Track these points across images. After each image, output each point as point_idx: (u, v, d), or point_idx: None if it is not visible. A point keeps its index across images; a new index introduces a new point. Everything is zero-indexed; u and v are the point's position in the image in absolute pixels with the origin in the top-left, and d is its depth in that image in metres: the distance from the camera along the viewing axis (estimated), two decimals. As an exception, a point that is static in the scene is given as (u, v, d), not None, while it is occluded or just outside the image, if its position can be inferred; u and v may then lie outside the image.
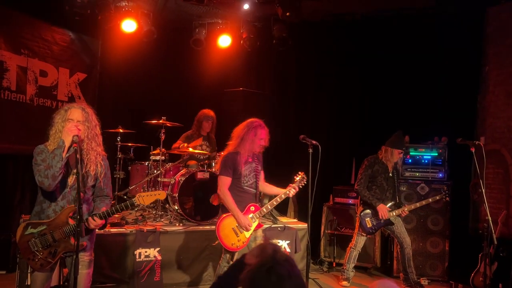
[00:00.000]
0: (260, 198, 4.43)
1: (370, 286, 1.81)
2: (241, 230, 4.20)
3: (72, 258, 2.95)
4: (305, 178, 4.40)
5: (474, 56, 6.43)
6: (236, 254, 4.29)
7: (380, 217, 5.13)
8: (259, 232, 4.43)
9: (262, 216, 4.47)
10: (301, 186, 4.40)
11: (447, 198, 5.37)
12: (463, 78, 6.40)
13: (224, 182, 4.19)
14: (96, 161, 3.18)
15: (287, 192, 4.33)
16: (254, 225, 4.28)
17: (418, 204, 5.23)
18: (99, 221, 3.14)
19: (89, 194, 3.24)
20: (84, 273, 3.18)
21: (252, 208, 4.29)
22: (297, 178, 4.41)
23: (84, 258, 3.18)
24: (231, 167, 4.19)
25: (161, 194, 3.32)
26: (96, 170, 3.18)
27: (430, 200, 5.27)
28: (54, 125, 3.12)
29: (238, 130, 4.32)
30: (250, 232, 4.25)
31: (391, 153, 5.26)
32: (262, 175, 4.46)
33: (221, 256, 4.35)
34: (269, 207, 4.37)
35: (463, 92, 6.43)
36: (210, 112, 6.54)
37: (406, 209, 5.21)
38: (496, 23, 6.26)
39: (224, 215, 4.24)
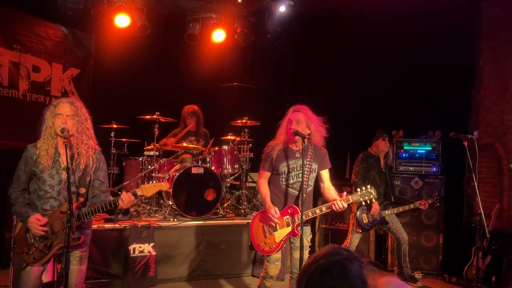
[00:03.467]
0: (301, 201, 3.58)
1: (378, 282, 1.76)
2: (270, 231, 3.64)
3: (65, 252, 2.91)
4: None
5: (468, 51, 6.44)
6: (266, 258, 3.77)
7: (372, 213, 5.15)
8: (297, 244, 3.67)
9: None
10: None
11: (437, 204, 5.43)
12: (457, 72, 6.40)
13: (260, 173, 3.81)
14: (87, 154, 3.13)
15: (334, 203, 3.54)
16: (286, 230, 3.63)
17: (412, 206, 5.24)
18: (133, 198, 3.11)
19: (85, 190, 3.19)
20: (78, 269, 3.16)
21: (290, 211, 3.65)
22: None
23: (79, 253, 3.16)
24: (269, 160, 3.72)
25: (163, 185, 3.28)
26: (87, 163, 3.13)
27: (424, 202, 5.27)
28: (45, 121, 3.10)
29: None
30: (280, 237, 3.63)
31: (376, 145, 5.38)
32: (323, 175, 3.79)
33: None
34: (310, 215, 3.61)
35: (457, 86, 6.44)
36: (192, 107, 6.51)
37: (401, 209, 5.23)
38: (489, 17, 6.26)
39: (262, 210, 3.82)
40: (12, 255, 4.40)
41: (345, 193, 3.58)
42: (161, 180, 5.90)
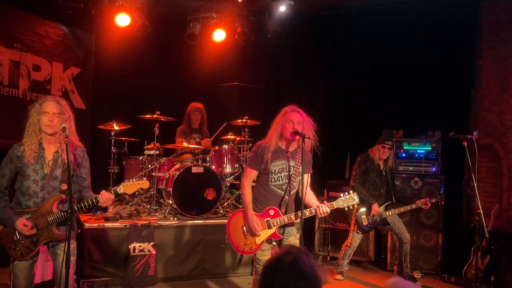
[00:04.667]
0: (285, 204, 3.69)
1: (384, 284, 1.78)
2: (251, 233, 3.63)
3: (65, 252, 2.98)
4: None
5: (468, 50, 6.44)
6: (256, 260, 3.74)
7: (371, 214, 5.16)
8: (270, 245, 3.73)
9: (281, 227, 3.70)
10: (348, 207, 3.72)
11: (443, 202, 5.40)
12: (457, 72, 6.40)
13: (247, 173, 3.72)
14: (69, 150, 3.16)
15: (318, 209, 3.60)
16: (267, 233, 3.63)
17: (414, 206, 5.21)
18: (113, 196, 3.15)
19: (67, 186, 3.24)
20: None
21: (271, 212, 3.63)
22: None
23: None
24: (260, 159, 3.61)
25: (144, 183, 3.30)
26: (68, 159, 3.14)
27: (428, 201, 5.24)
28: (29, 118, 3.17)
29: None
30: (261, 238, 3.63)
31: (376, 149, 5.34)
32: (306, 179, 3.66)
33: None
34: (292, 218, 3.62)
35: (457, 86, 6.44)
36: (198, 104, 6.56)
37: (402, 210, 5.23)
38: (489, 17, 6.27)
39: (241, 209, 3.80)
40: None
41: (325, 202, 3.67)
42: (161, 179, 5.91)
